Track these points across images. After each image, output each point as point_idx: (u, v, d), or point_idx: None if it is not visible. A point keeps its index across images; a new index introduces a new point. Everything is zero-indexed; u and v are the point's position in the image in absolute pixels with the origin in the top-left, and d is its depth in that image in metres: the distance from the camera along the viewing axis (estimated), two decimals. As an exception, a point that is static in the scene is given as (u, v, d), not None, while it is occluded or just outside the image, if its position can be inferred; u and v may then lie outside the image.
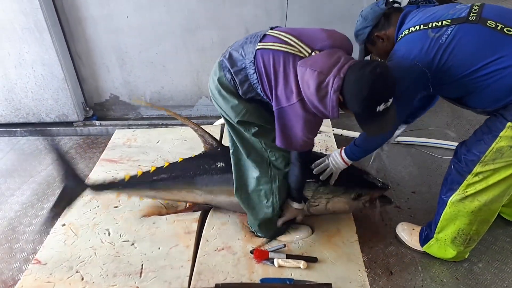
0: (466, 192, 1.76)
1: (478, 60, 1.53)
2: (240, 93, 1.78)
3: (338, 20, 3.00)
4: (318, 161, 2.07)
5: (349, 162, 1.99)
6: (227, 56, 1.79)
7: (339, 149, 2.02)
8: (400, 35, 1.71)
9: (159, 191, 2.29)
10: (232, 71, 1.75)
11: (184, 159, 2.31)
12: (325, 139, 2.96)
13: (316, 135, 1.78)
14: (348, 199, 2.11)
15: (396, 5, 1.84)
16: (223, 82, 1.80)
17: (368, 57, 1.99)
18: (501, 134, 1.59)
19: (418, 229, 2.17)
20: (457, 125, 3.31)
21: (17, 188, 2.77)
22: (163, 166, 2.31)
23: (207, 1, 3.05)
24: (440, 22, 1.59)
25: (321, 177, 2.05)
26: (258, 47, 1.69)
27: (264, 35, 1.73)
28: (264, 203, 2.02)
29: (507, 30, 1.50)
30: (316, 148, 2.86)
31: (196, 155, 2.33)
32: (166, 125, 3.47)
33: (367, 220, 2.29)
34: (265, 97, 1.75)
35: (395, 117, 1.54)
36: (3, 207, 2.59)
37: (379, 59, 1.99)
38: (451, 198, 1.82)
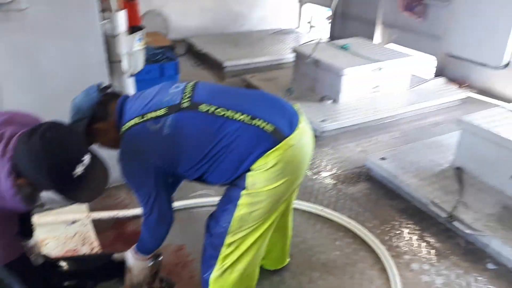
0: (224, 265, 1.74)
1: (204, 145, 1.56)
2: None
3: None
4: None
5: (146, 256, 1.78)
6: None
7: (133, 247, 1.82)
8: (122, 128, 1.60)
9: None
10: None
11: None
12: (81, 230, 2.56)
13: (8, 240, 1.47)
14: None
15: (109, 90, 1.71)
16: None
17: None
18: (239, 202, 1.63)
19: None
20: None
21: None
22: None
23: None
24: (156, 113, 1.56)
25: None
26: None
27: None
28: None
29: (217, 112, 1.56)
30: (71, 244, 2.45)
31: None
32: None
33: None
34: None
35: (107, 171, 1.42)
36: None
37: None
38: (211, 276, 1.77)
